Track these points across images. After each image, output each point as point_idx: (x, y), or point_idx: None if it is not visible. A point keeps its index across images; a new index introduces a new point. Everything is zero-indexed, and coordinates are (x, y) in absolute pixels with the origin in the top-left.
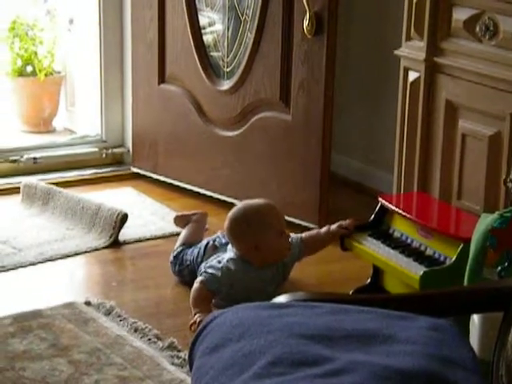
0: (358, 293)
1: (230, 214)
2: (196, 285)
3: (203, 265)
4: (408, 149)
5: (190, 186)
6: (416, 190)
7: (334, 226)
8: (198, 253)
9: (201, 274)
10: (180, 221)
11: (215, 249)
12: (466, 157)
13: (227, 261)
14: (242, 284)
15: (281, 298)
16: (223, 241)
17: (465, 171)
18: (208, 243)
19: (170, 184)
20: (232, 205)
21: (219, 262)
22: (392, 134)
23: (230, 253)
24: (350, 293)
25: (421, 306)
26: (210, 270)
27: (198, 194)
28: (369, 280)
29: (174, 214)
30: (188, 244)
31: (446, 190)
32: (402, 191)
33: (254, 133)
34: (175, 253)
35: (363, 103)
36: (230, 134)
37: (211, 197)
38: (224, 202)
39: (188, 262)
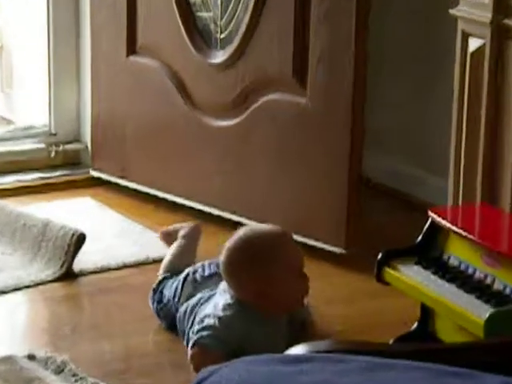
0: (401, 341)
1: (229, 244)
2: (192, 352)
3: (186, 318)
4: (468, 144)
5: (170, 196)
6: (479, 201)
7: None
8: (176, 288)
9: (194, 333)
10: (167, 238)
11: (195, 285)
12: None
13: (223, 308)
14: (249, 341)
15: (298, 349)
16: (206, 273)
17: None
18: (187, 275)
19: (144, 193)
20: (228, 221)
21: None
22: (445, 124)
23: (223, 295)
24: (391, 342)
25: (487, 360)
26: (206, 324)
27: (181, 206)
28: (415, 325)
29: (148, 233)
30: (174, 271)
31: None
32: (460, 203)
33: (258, 122)
34: (155, 285)
35: (405, 82)
36: (225, 123)
37: (199, 210)
38: (217, 217)
39: (166, 300)
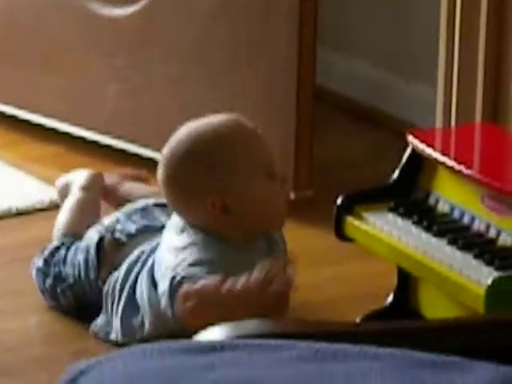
0: (372, 320)
1: (170, 147)
2: (182, 293)
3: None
4: (464, 41)
5: (45, 120)
6: (479, 120)
7: None
8: (87, 260)
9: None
10: (64, 191)
11: (119, 248)
12: None
13: (189, 252)
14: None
15: (215, 333)
16: (132, 228)
17: None
18: (102, 239)
19: (7, 116)
20: (133, 156)
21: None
22: (433, 13)
23: (177, 236)
24: (357, 321)
25: (486, 344)
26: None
27: (60, 133)
28: (391, 297)
29: (14, 172)
30: (74, 236)
31: None
32: (452, 123)
33: (165, 9)
34: (46, 254)
35: None
36: (119, 12)
37: (84, 139)
38: (107, 147)
39: (72, 279)
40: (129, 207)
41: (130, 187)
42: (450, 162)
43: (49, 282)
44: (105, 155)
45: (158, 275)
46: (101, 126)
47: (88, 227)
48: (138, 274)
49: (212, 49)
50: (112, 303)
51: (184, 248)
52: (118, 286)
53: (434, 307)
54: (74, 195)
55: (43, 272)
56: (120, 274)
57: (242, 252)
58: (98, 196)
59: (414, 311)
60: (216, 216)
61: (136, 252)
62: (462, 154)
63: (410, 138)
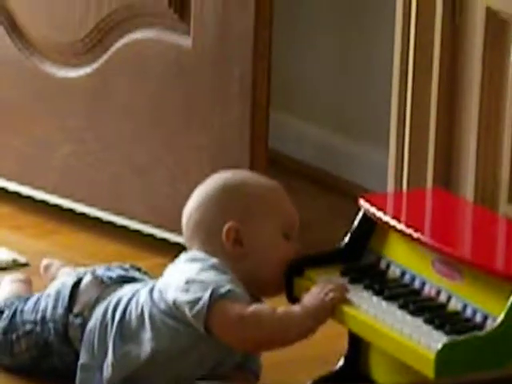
0: None
1: (209, 185)
2: (212, 316)
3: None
4: (416, 108)
5: None
6: (431, 186)
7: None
8: (56, 301)
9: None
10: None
11: (101, 287)
12: None
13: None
14: None
15: None
16: (114, 274)
17: None
18: (79, 280)
19: None
20: (82, 216)
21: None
22: (385, 80)
23: (192, 264)
24: None
25: None
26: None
27: (10, 193)
28: (341, 361)
29: None
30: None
31: (486, 184)
32: (404, 187)
33: (120, 72)
34: None
35: (332, 23)
36: (73, 74)
37: (31, 198)
38: (56, 207)
39: (30, 326)
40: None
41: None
42: (401, 227)
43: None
44: (55, 215)
45: (168, 292)
46: (52, 185)
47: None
48: (128, 302)
49: (166, 112)
50: (102, 338)
51: (208, 268)
52: (107, 319)
53: (385, 372)
54: (7, 285)
55: None
56: (108, 307)
57: None
58: (31, 289)
59: (365, 375)
60: (227, 246)
61: (127, 288)
62: (414, 218)
63: (362, 201)
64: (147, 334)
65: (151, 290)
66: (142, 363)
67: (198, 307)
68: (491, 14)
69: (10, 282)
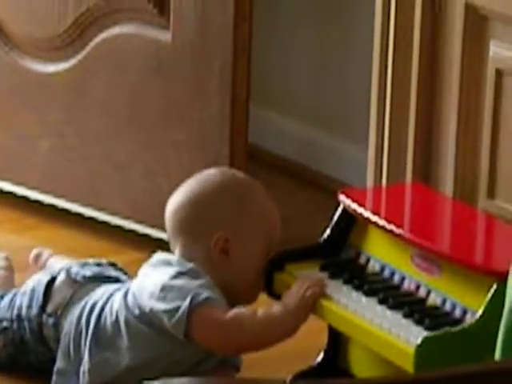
0: (301, 379)
1: (196, 182)
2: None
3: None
4: (395, 101)
5: None
6: (410, 181)
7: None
8: (31, 299)
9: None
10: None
11: (74, 286)
12: (504, 114)
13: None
14: None
15: None
16: (88, 273)
17: (501, 144)
18: (53, 279)
19: None
20: (62, 211)
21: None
22: (365, 75)
23: (168, 268)
24: (287, 381)
25: None
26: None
27: None
28: (321, 356)
29: None
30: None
31: (465, 179)
32: (383, 182)
33: (99, 67)
34: None
35: (312, 18)
36: (52, 68)
37: (14, 194)
38: (37, 203)
39: (6, 323)
40: (81, 260)
41: (60, 259)
42: (381, 221)
43: None
44: (35, 210)
45: (142, 298)
46: (32, 181)
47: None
48: (103, 308)
49: (145, 106)
50: (77, 343)
51: (183, 273)
52: (82, 323)
53: (364, 366)
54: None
55: None
56: (83, 311)
57: None
58: (13, 277)
59: (344, 370)
60: (215, 255)
61: (100, 290)
62: (393, 213)
63: (342, 196)
64: (124, 343)
65: (125, 295)
66: (121, 371)
67: (177, 316)
68: (470, 10)
69: None
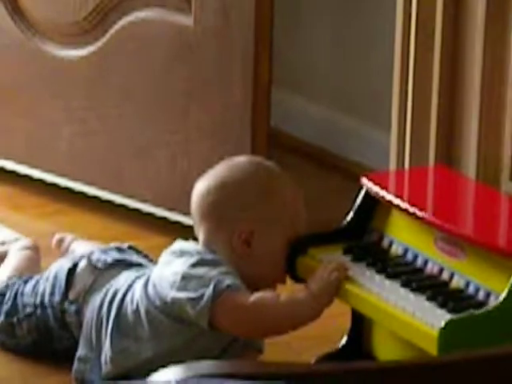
0: (325, 362)
1: (228, 167)
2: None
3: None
4: (417, 84)
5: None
6: (433, 164)
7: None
8: (54, 286)
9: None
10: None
11: (96, 273)
12: None
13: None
14: None
15: (172, 373)
16: (109, 259)
17: None
18: (75, 265)
19: None
20: (91, 198)
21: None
22: (387, 59)
23: (178, 260)
24: (312, 362)
25: None
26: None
27: (14, 174)
28: (344, 339)
29: None
30: (24, 276)
31: (488, 162)
32: (406, 165)
33: (120, 52)
34: None
35: (335, 1)
36: (74, 54)
37: (39, 180)
38: (65, 189)
39: (30, 309)
40: (103, 245)
41: (83, 243)
42: (404, 205)
43: (1, 319)
44: (59, 195)
45: (163, 288)
46: (56, 167)
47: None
48: (124, 297)
49: (168, 91)
50: (99, 330)
51: (202, 263)
52: (104, 311)
53: (388, 349)
54: (16, 253)
55: None
56: (105, 298)
57: None
58: (39, 258)
59: (368, 353)
60: (237, 246)
61: (122, 278)
62: (416, 196)
63: (364, 180)
64: (145, 333)
65: (146, 284)
66: (142, 360)
67: (201, 304)
68: None
69: (16, 253)
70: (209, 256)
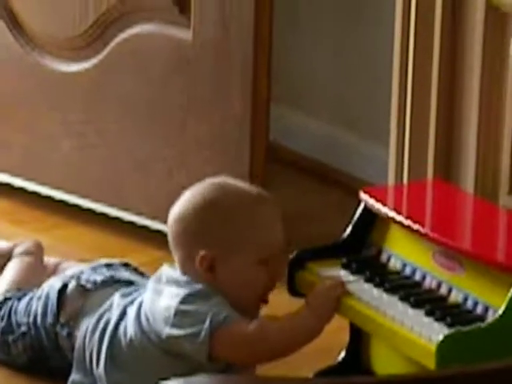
0: (324, 376)
1: (192, 194)
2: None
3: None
4: (416, 99)
5: None
6: (431, 177)
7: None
8: (46, 306)
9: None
10: None
11: (85, 294)
12: None
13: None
14: None
15: None
16: (98, 278)
17: None
18: (65, 286)
19: None
20: (86, 211)
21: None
22: (386, 74)
23: (171, 288)
24: (310, 377)
25: None
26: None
27: (12, 188)
28: (343, 353)
29: None
30: (17, 292)
31: (486, 176)
32: (404, 180)
33: (119, 67)
34: None
35: (333, 15)
36: (73, 68)
37: (37, 194)
38: (62, 203)
39: (24, 328)
40: (93, 263)
41: (72, 263)
42: (402, 219)
43: None
44: (58, 209)
45: (157, 323)
46: (54, 180)
47: (33, 286)
48: (116, 327)
49: (166, 105)
50: (91, 357)
51: (193, 295)
52: (95, 338)
53: (386, 364)
54: (18, 259)
55: None
56: (98, 325)
57: None
58: (41, 262)
59: (366, 368)
60: (201, 272)
61: (108, 302)
62: (414, 210)
63: (363, 194)
64: (142, 367)
65: (138, 316)
66: None
67: (199, 340)
68: (491, 7)
69: (18, 259)
70: (197, 286)
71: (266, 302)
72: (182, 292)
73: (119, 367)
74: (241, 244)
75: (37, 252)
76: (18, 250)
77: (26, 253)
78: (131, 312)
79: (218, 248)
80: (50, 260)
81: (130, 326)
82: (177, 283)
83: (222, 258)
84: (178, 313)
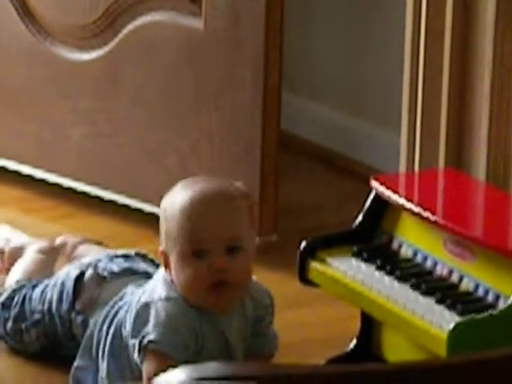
0: (335, 364)
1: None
2: (146, 357)
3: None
4: (427, 87)
5: (8, 162)
6: (443, 166)
7: None
8: (61, 293)
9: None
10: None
11: (102, 283)
12: None
13: (160, 300)
14: (202, 342)
15: (177, 375)
16: (115, 268)
17: None
18: (82, 274)
19: None
20: (96, 199)
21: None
22: (398, 62)
23: (159, 284)
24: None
25: None
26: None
27: (25, 176)
28: (354, 342)
29: None
30: (29, 282)
31: (498, 164)
32: (415, 168)
33: (130, 55)
34: (4, 297)
35: (346, 3)
36: (85, 56)
37: (48, 182)
38: (75, 192)
39: (38, 316)
40: (110, 252)
41: (88, 248)
42: (413, 207)
43: (9, 324)
44: (69, 198)
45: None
46: (66, 169)
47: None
48: (121, 320)
49: (177, 94)
50: (98, 344)
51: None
52: (104, 327)
53: (397, 352)
54: (31, 255)
55: (1, 317)
56: (108, 314)
57: (204, 316)
58: (54, 261)
59: (377, 356)
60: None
61: (122, 293)
62: (425, 199)
63: (374, 182)
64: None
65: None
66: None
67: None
68: None
69: (32, 255)
70: (162, 293)
71: (217, 293)
72: (156, 295)
73: (119, 356)
74: (177, 238)
75: (51, 251)
76: (32, 248)
77: (41, 252)
78: (133, 304)
79: (166, 244)
80: (67, 239)
81: (129, 318)
82: (164, 281)
83: (170, 254)
84: (136, 314)
